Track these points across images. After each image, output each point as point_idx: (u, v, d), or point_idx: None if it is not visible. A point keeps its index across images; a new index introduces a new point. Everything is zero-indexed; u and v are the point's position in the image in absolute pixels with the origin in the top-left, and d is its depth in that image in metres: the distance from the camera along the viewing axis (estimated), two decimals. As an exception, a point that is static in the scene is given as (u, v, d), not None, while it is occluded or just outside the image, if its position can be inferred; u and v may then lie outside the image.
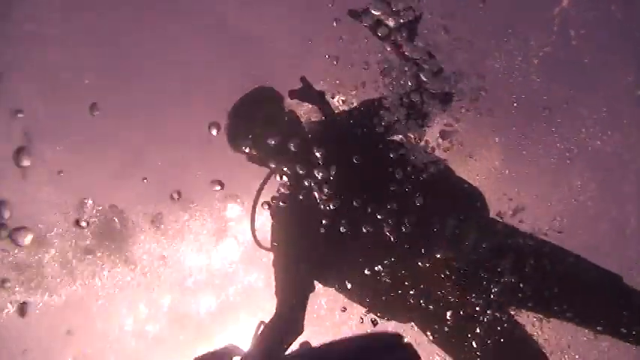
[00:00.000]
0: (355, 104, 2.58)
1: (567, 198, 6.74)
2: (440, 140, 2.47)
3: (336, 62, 2.67)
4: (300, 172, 2.30)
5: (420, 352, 1.84)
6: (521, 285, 2.24)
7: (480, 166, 5.39)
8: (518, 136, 6.02)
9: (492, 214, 2.44)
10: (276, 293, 2.38)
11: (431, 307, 2.34)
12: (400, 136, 2.41)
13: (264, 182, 2.52)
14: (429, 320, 2.44)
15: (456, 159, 2.56)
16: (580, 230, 6.17)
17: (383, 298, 2.37)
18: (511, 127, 5.92)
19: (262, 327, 2.24)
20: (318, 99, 2.42)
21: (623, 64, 6.93)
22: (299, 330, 2.29)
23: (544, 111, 6.11)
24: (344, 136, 2.40)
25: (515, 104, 5.67)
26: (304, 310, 2.34)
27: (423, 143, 2.39)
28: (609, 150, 6.91)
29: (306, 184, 2.32)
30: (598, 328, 2.28)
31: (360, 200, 2.26)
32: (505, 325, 2.36)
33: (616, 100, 6.95)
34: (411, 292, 2.31)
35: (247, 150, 2.48)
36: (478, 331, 2.32)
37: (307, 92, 2.40)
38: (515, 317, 2.48)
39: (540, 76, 5.94)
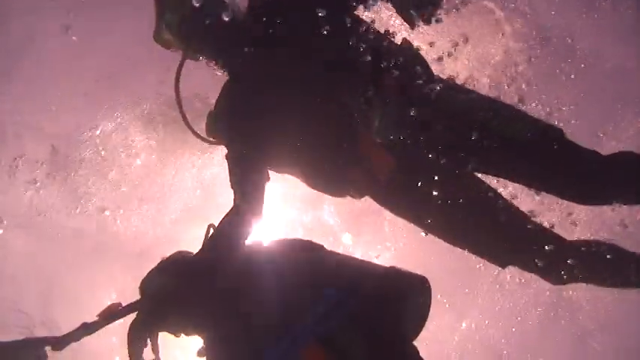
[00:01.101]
0: None
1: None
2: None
3: None
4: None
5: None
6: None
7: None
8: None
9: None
10: (232, 186, 2.29)
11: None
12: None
13: (181, 66, 2.24)
14: (389, 193, 2.26)
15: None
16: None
17: (332, 174, 2.22)
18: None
19: (212, 230, 2.20)
20: None
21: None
22: (259, 214, 2.24)
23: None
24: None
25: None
26: (263, 200, 2.28)
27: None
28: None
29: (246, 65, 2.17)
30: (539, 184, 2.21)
31: (307, 74, 2.09)
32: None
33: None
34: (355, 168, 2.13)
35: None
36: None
37: None
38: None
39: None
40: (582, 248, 2.22)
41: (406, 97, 2.08)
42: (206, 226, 2.22)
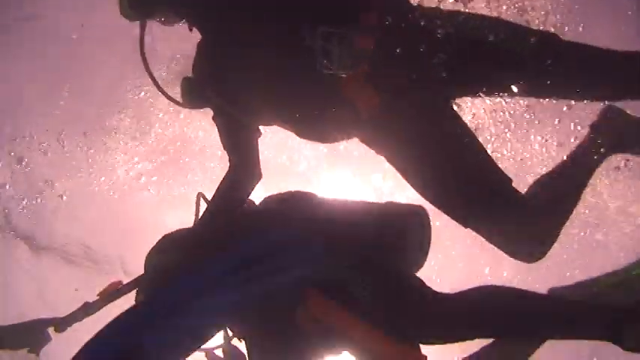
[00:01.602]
0: None
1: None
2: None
3: None
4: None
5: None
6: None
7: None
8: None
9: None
10: (225, 147, 2.25)
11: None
12: None
13: (143, 32, 2.16)
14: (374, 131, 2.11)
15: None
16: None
17: (317, 119, 2.12)
18: None
19: (201, 198, 2.20)
20: None
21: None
22: (257, 174, 2.22)
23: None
24: None
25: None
26: (257, 156, 2.24)
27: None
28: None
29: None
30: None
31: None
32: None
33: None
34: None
35: None
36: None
37: None
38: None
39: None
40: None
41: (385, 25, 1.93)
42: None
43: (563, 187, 2.09)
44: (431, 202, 2.06)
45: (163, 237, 2.13)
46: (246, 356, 2.00)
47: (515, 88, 2.01)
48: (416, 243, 1.96)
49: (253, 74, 2.08)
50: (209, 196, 2.22)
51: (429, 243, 1.98)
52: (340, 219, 1.95)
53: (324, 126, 2.11)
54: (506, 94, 2.06)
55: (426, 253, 1.98)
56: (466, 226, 2.02)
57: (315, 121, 2.10)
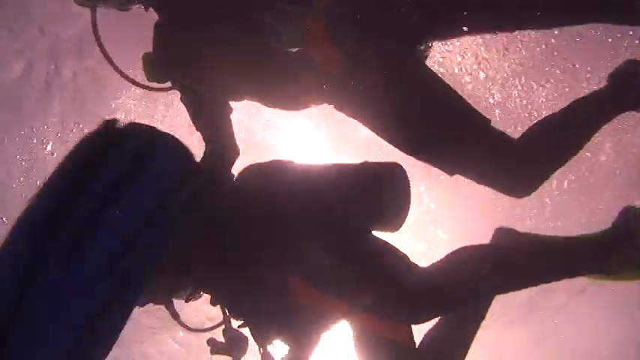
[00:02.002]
0: None
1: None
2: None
3: None
4: None
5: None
6: None
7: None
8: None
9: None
10: (197, 127, 2.20)
11: None
12: None
13: (95, 20, 2.07)
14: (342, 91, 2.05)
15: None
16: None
17: (285, 87, 2.09)
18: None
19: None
20: None
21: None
22: (234, 149, 2.18)
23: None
24: None
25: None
26: (232, 132, 2.20)
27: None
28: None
29: None
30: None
31: None
32: None
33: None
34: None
35: None
36: None
37: None
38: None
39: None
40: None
41: None
42: None
43: (562, 131, 1.96)
44: (412, 155, 2.00)
45: None
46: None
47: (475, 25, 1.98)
48: (394, 201, 1.91)
49: (214, 49, 2.01)
50: None
51: (407, 198, 1.92)
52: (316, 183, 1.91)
53: (291, 91, 2.07)
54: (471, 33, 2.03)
55: (406, 210, 1.92)
56: (452, 174, 1.96)
57: (281, 88, 2.06)
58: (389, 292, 1.74)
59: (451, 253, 1.85)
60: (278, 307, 1.79)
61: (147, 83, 2.13)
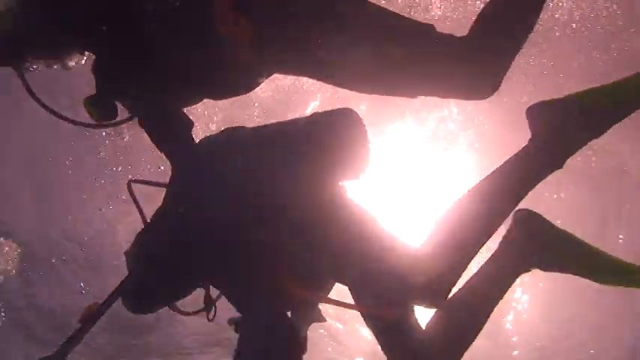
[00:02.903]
0: None
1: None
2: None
3: None
4: None
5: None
6: None
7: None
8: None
9: None
10: (162, 150, 2.14)
11: None
12: None
13: (24, 79, 1.99)
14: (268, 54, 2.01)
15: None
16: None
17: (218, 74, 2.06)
18: None
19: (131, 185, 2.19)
20: None
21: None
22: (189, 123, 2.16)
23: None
24: None
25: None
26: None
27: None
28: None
29: None
30: None
31: None
32: None
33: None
34: None
35: None
36: None
37: None
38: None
39: None
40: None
41: None
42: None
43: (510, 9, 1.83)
44: (372, 90, 1.97)
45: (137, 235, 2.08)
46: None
47: None
48: (347, 140, 1.90)
49: (148, 66, 1.99)
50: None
51: (365, 144, 1.90)
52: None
53: (230, 75, 2.05)
54: None
55: (366, 157, 1.92)
56: (414, 96, 1.90)
57: (220, 75, 2.04)
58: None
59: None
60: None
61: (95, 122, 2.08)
